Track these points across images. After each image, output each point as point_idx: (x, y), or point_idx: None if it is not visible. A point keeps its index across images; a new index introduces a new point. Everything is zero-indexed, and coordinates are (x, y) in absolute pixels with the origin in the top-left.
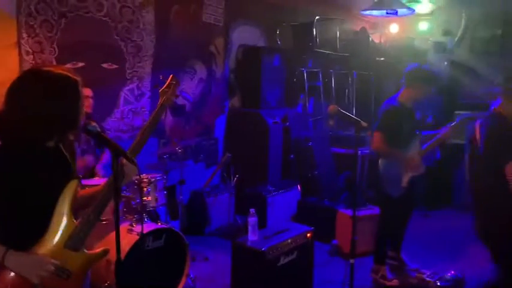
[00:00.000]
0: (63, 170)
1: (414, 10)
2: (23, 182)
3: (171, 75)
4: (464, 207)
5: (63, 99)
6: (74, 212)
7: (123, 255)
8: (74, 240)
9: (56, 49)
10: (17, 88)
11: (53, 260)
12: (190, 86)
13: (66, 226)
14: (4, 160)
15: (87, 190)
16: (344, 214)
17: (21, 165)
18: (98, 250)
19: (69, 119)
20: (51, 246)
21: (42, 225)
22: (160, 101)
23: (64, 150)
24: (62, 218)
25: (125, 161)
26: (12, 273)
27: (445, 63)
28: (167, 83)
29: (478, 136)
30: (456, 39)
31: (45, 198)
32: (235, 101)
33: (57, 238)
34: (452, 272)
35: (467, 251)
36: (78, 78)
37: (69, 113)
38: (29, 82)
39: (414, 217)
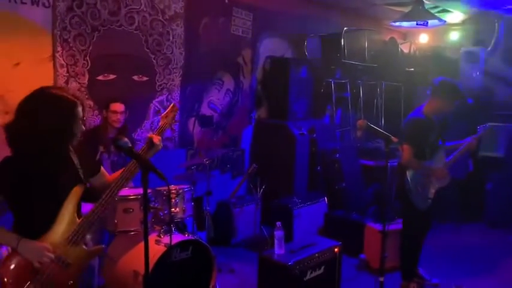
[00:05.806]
0: (71, 174)
1: (445, 21)
2: (33, 183)
3: (172, 104)
4: (496, 223)
5: (59, 117)
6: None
7: (150, 266)
8: (75, 237)
9: (89, 62)
10: (24, 105)
11: (50, 251)
12: (218, 97)
13: (70, 224)
14: (18, 166)
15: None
16: (372, 228)
17: (32, 170)
18: (93, 248)
19: (65, 133)
20: (56, 239)
21: (50, 220)
22: (160, 123)
23: (73, 157)
24: (67, 216)
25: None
26: (19, 257)
27: (477, 73)
28: (168, 109)
29: None
30: (489, 49)
31: (53, 197)
32: (262, 112)
33: (61, 233)
34: None
35: (497, 268)
36: (77, 100)
37: (65, 128)
38: (34, 101)
39: (443, 231)
